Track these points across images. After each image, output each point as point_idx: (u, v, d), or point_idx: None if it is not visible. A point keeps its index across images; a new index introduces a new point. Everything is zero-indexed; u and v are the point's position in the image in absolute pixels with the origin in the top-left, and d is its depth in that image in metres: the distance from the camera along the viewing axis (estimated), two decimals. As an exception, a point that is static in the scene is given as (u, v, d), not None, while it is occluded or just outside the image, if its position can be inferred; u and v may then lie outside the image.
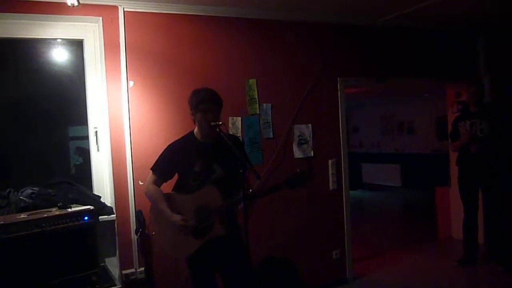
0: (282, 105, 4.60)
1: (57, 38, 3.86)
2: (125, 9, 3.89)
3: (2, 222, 2.74)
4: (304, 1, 4.27)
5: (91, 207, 3.11)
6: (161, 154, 3.11)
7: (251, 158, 4.21)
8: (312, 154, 4.74)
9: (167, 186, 3.14)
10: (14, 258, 2.75)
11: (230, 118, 4.28)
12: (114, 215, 3.72)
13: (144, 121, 3.97)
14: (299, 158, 4.66)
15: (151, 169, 3.09)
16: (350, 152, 5.21)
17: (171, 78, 4.08)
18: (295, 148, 4.66)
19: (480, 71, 6.04)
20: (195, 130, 3.07)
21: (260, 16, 4.48)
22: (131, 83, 3.92)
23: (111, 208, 3.73)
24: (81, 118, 3.93)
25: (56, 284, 2.88)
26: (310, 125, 4.74)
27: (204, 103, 2.92)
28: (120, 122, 3.87)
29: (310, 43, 4.79)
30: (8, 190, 3.36)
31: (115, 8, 3.86)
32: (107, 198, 3.83)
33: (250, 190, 3.00)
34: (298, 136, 4.69)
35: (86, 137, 3.93)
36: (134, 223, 3.86)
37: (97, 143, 3.88)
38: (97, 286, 3.02)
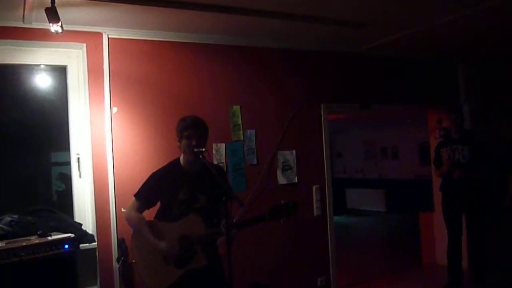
0: (266, 131, 4.63)
1: (41, 64, 3.86)
2: (109, 36, 3.91)
3: (-21, 251, 2.68)
4: (289, 29, 4.33)
5: (72, 235, 3.07)
6: (145, 181, 3.07)
7: (235, 185, 4.23)
8: (296, 180, 4.75)
9: (148, 214, 3.09)
10: (-9, 289, 2.69)
11: (214, 144, 4.27)
12: (96, 243, 3.66)
13: (128, 147, 3.95)
14: (283, 184, 4.66)
15: (135, 195, 3.05)
16: (334, 178, 5.23)
17: (155, 104, 4.08)
18: (279, 174, 4.66)
19: (460, 98, 6.16)
20: (181, 157, 3.06)
21: (245, 43, 4.54)
22: (114, 110, 3.91)
23: (92, 236, 3.67)
24: (64, 144, 3.90)
25: (35, 315, 2.81)
26: (294, 151, 4.76)
27: (189, 129, 2.92)
28: (103, 149, 3.84)
29: (294, 70, 4.85)
30: (-14, 217, 3.29)
31: (100, 34, 3.88)
32: (89, 225, 3.77)
33: (234, 220, 2.97)
34: (282, 162, 4.69)
35: (69, 163, 3.89)
36: (116, 251, 3.79)
37: (79, 170, 3.84)
38: (77, 316, 2.95)
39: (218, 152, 4.32)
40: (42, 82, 3.95)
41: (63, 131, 3.90)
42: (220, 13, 3.65)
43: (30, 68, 3.86)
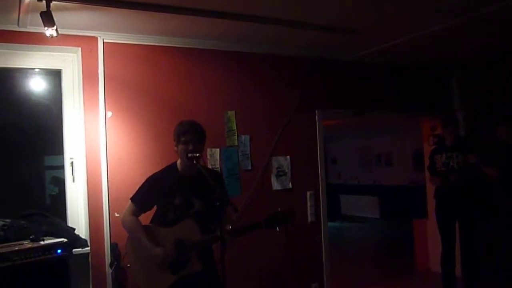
0: (261, 136, 4.63)
1: (36, 68, 3.85)
2: (104, 40, 3.91)
3: (-29, 256, 2.67)
4: (283, 36, 4.34)
5: (65, 240, 3.05)
6: (142, 184, 3.07)
7: (229, 190, 4.19)
8: (291, 186, 4.75)
9: (144, 218, 3.09)
10: (-18, 293, 2.67)
11: (208, 149, 4.27)
12: (89, 248, 3.64)
13: (122, 152, 3.94)
14: (278, 190, 4.66)
15: (131, 198, 3.04)
16: (328, 184, 5.23)
17: (149, 109, 4.08)
18: (273, 180, 4.66)
19: (454, 104, 6.20)
20: (178, 161, 3.05)
21: (240, 49, 4.55)
22: (109, 114, 3.90)
23: (85, 240, 3.65)
24: (58, 148, 3.88)
25: (26, 320, 2.79)
26: (288, 157, 4.76)
27: (186, 134, 2.92)
28: (97, 153, 3.83)
29: (289, 76, 4.86)
30: (-22, 222, 3.27)
31: (95, 39, 3.88)
32: (82, 230, 3.75)
33: (230, 227, 2.97)
34: (277, 168, 4.70)
35: (62, 167, 3.88)
36: (109, 256, 3.77)
37: (72, 174, 3.83)
38: (69, 321, 2.93)
39: (213, 157, 4.31)
40: (37, 85, 3.95)
41: (57, 135, 3.88)
42: (215, 19, 3.65)
43: (24, 72, 3.85)
